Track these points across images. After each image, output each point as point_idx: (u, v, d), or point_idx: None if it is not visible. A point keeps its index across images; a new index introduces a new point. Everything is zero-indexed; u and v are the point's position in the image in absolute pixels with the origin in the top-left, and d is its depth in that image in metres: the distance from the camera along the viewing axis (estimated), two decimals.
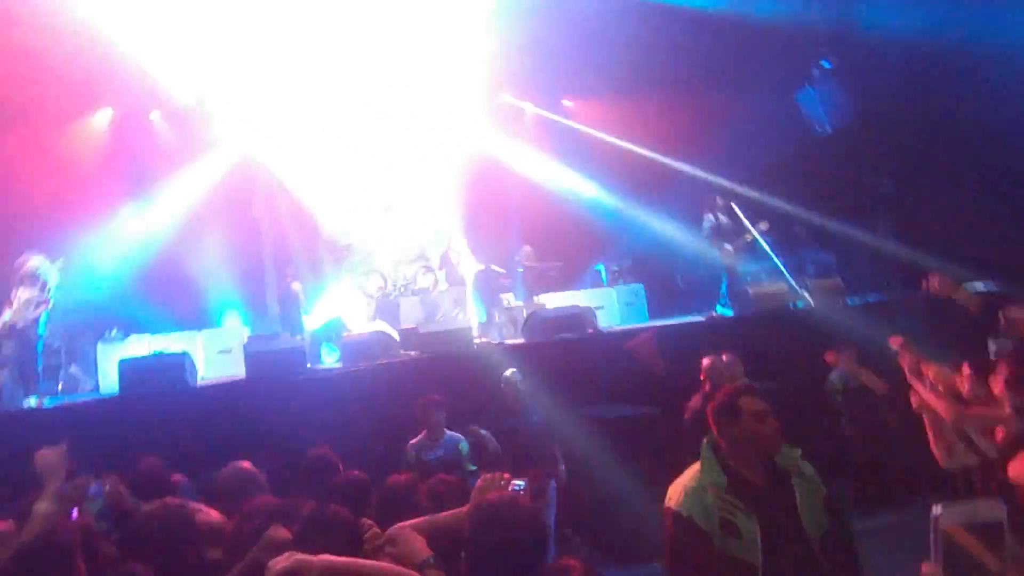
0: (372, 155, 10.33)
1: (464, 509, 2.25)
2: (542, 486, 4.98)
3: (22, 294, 6.70)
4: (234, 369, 7.33)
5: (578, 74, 10.40)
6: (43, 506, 2.62)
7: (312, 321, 8.82)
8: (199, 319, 8.91)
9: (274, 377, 6.44)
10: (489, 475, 2.32)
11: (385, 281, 9.48)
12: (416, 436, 5.19)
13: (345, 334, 7.75)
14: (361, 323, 8.48)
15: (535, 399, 5.83)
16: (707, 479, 2.41)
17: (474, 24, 9.13)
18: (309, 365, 7.01)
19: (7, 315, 6.58)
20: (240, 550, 2.53)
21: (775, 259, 8.41)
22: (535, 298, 9.20)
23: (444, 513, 2.39)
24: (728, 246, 8.61)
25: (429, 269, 9.76)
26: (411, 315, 8.73)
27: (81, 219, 8.42)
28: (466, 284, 9.47)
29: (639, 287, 9.71)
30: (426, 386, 6.01)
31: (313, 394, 6.25)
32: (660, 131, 10.26)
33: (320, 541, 2.23)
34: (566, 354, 7.02)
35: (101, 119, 9.38)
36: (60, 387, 7.55)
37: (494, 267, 9.42)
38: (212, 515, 2.97)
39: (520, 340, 7.80)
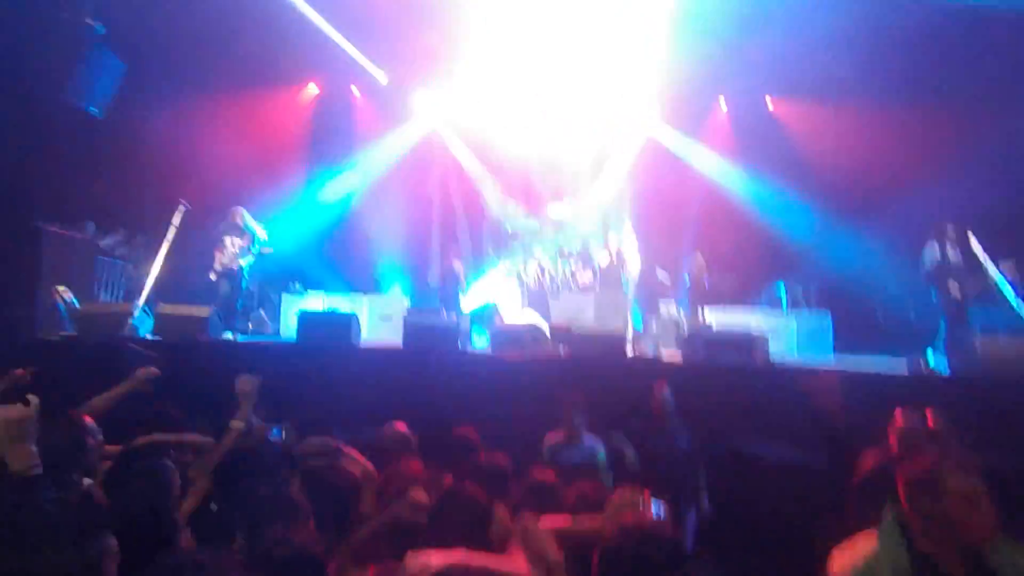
0: (548, 144, 10.55)
1: (599, 520, 2.23)
2: (682, 514, 4.75)
3: (233, 243, 8.03)
4: (393, 336, 7.97)
5: (788, 70, 9.50)
6: (238, 424, 3.22)
7: (468, 303, 9.28)
8: (367, 284, 9.88)
9: (428, 351, 6.85)
10: (628, 491, 2.28)
11: (544, 272, 9.64)
12: (554, 434, 5.21)
13: (497, 321, 8.03)
14: (514, 311, 8.72)
15: (685, 422, 5.57)
16: (887, 559, 2.07)
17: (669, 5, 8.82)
18: (461, 345, 7.36)
19: (224, 259, 7.92)
20: (383, 505, 2.81)
21: (1019, 308, 7.05)
22: (700, 312, 8.75)
23: (580, 520, 2.38)
24: (955, 285, 7.32)
25: (590, 266, 9.75)
26: (565, 311, 8.80)
27: (280, 181, 9.75)
28: (623, 287, 9.27)
29: (826, 316, 8.72)
30: (571, 386, 6.04)
31: (461, 374, 6.54)
32: (885, 142, 9.10)
33: (453, 516, 2.39)
34: (727, 380, 6.59)
35: (307, 92, 10.77)
36: (250, 326, 8.79)
37: (659, 271, 9.10)
38: (368, 467, 3.28)
39: (677, 355, 7.49)
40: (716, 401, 6.06)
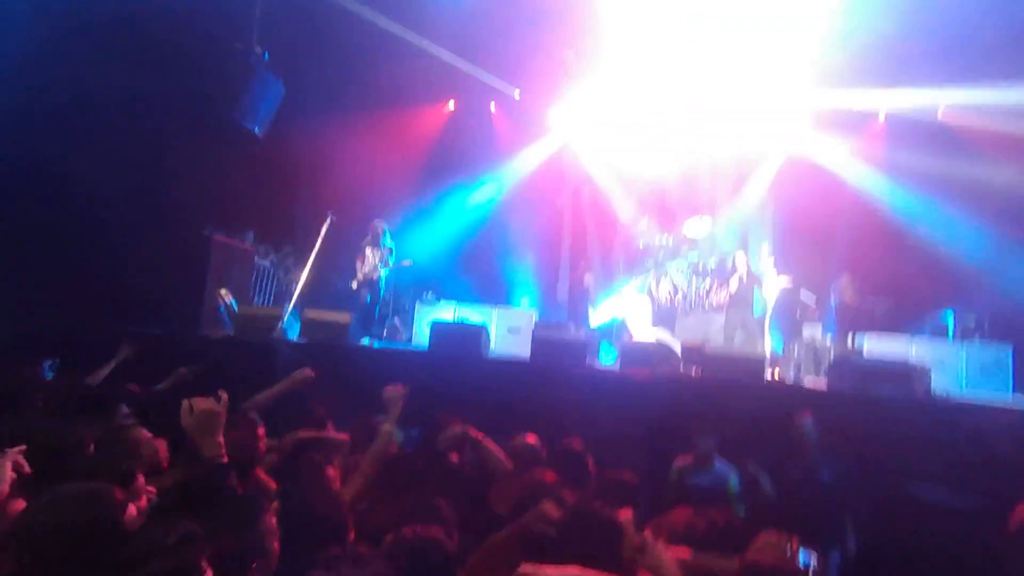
0: (683, 159, 10.58)
1: (736, 561, 2.20)
2: (826, 554, 4.65)
3: (373, 254, 8.90)
4: (521, 348, 8.38)
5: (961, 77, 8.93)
6: (387, 428, 3.67)
7: (596, 318, 9.51)
8: (497, 296, 10.43)
9: (555, 365, 7.15)
10: (775, 536, 2.21)
11: (676, 290, 9.64)
12: (683, 457, 5.28)
13: (626, 337, 8.17)
14: (643, 328, 8.83)
15: (830, 456, 5.41)
16: None
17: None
18: (588, 361, 7.59)
19: (365, 269, 8.83)
20: (517, 514, 2.98)
21: None
22: (849, 337, 8.36)
23: (713, 559, 2.42)
24: None
25: (725, 286, 9.62)
26: (697, 330, 8.78)
27: (419, 194, 10.59)
28: (752, 306, 9.05)
29: (1006, 349, 7.97)
30: (704, 408, 6.07)
31: (589, 389, 6.76)
32: None
33: (581, 532, 2.48)
34: (881, 414, 6.27)
35: (445, 108, 11.61)
36: (384, 333, 9.61)
37: (804, 292, 8.80)
38: (506, 462, 3.60)
39: (821, 383, 7.23)
40: (865, 434, 5.83)
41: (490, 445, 3.82)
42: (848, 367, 6.94)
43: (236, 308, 8.55)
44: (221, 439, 2.52)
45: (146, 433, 3.25)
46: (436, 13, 9.15)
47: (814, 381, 7.42)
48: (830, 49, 8.91)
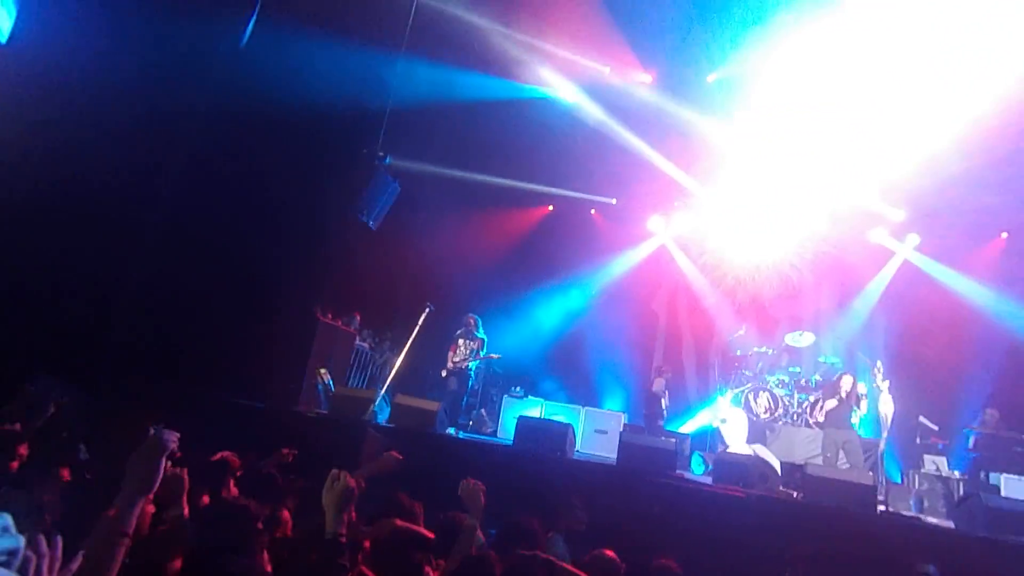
0: (788, 268, 10.45)
1: None
2: None
3: (465, 345, 9.23)
4: (607, 450, 8.21)
5: None
6: (470, 523, 3.68)
7: (690, 425, 9.23)
8: (586, 396, 10.39)
9: (642, 471, 6.96)
10: None
11: (775, 404, 9.22)
12: None
13: (720, 449, 7.83)
14: (739, 441, 8.43)
15: None
16: None
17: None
18: (678, 470, 7.31)
19: (456, 358, 9.15)
20: None
21: None
22: (982, 474, 7.57)
23: None
24: None
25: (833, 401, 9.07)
26: (795, 449, 8.27)
27: (516, 291, 11.01)
28: (850, 426, 8.38)
29: None
30: (802, 538, 5.66)
31: (675, 501, 6.51)
32: None
33: None
34: (1017, 566, 5.57)
35: (545, 211, 12.26)
36: (471, 424, 9.74)
37: (924, 420, 8.16)
38: None
39: (947, 523, 6.53)
40: None
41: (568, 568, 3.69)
42: (982, 508, 6.25)
43: (333, 388, 8.98)
44: (349, 517, 2.61)
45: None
46: (539, 137, 9.92)
47: (938, 520, 6.71)
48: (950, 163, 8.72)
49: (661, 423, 9.36)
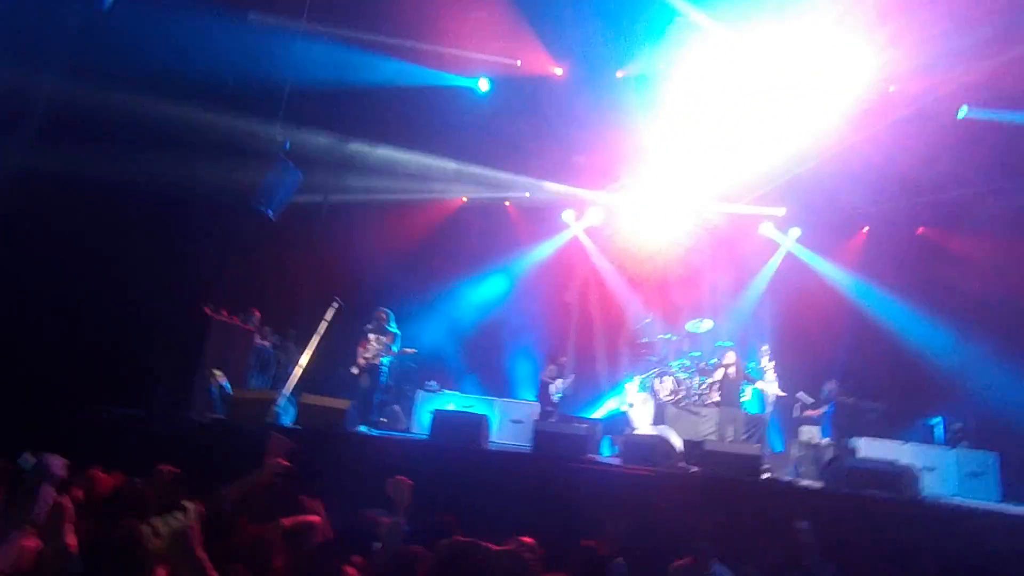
0: (688, 258, 11.36)
1: None
2: None
3: (377, 340, 9.24)
4: (522, 439, 8.61)
5: (944, 205, 9.99)
6: (395, 522, 3.76)
7: (600, 411, 9.84)
8: (501, 387, 10.77)
9: (556, 458, 7.42)
10: None
11: (678, 387, 10.02)
12: (680, 560, 5.45)
13: (627, 431, 8.46)
14: (646, 424, 9.14)
15: (828, 560, 5.65)
16: None
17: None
18: (590, 454, 7.81)
19: (367, 354, 9.13)
20: None
21: None
22: (844, 440, 8.76)
23: None
24: None
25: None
26: (693, 428, 9.10)
27: (427, 285, 11.12)
28: (738, 403, 9.46)
29: (992, 456, 8.50)
30: (702, 507, 6.34)
31: (589, 484, 7.01)
32: None
33: None
34: (874, 516, 6.59)
35: (457, 203, 12.38)
36: (384, 420, 9.79)
37: (801, 395, 9.28)
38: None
39: (818, 484, 7.55)
40: (861, 537, 6.10)
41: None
42: (843, 469, 7.30)
43: (229, 391, 8.66)
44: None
45: None
46: (452, 120, 10.01)
47: (811, 482, 7.71)
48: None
49: (551, 409, 9.87)
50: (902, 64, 8.60)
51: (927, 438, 9.42)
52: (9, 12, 7.96)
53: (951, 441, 9.12)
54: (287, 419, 8.21)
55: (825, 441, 8.76)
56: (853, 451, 8.36)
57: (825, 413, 9.30)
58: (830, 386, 9.53)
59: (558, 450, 7.54)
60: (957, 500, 7.77)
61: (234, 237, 10.17)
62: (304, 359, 8.98)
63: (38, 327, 7.93)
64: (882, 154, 9.33)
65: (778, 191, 10.76)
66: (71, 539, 2.91)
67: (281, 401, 8.31)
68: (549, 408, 9.89)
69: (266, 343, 10.41)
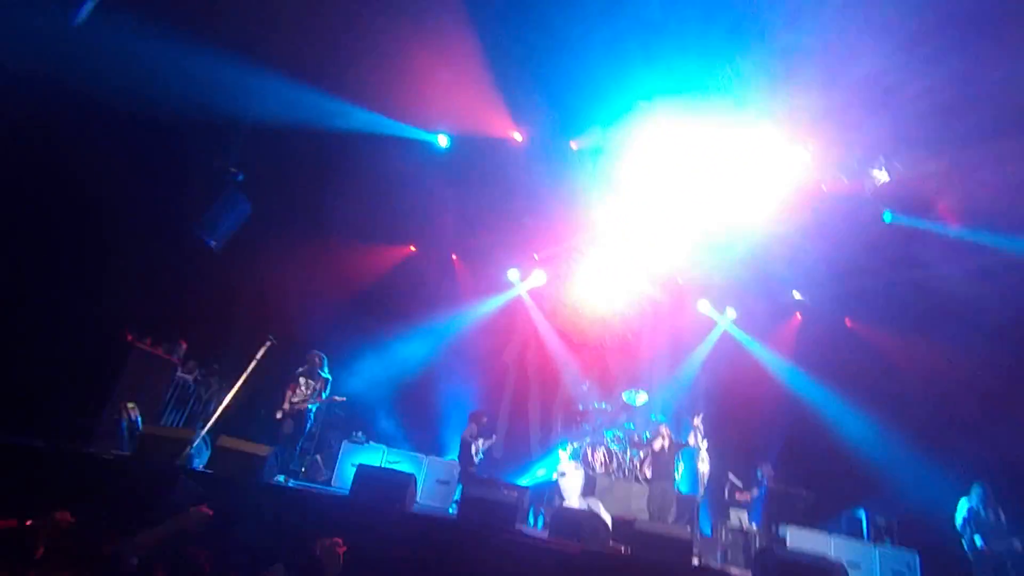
0: (627, 329, 11.36)
1: None
2: None
3: (307, 384, 8.71)
4: (447, 501, 8.15)
5: (866, 299, 10.38)
6: None
7: (530, 478, 9.47)
8: (430, 444, 10.29)
9: (483, 526, 6.99)
10: None
11: (611, 459, 9.80)
12: None
13: (557, 500, 8.12)
14: (575, 494, 8.82)
15: None
16: None
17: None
18: (518, 524, 7.42)
19: (295, 398, 8.57)
20: None
21: None
22: (773, 527, 8.62)
23: None
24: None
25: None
26: (623, 502, 8.83)
27: (365, 332, 10.71)
28: (671, 477, 9.22)
29: (913, 556, 8.45)
30: None
31: (516, 557, 6.60)
32: (971, 379, 9.45)
33: None
34: None
35: (404, 251, 12.16)
36: (303, 471, 9.15)
37: (732, 477, 9.16)
38: None
39: (746, 573, 7.32)
40: None
41: None
42: (773, 560, 7.10)
43: (140, 426, 7.97)
44: None
45: None
46: (411, 167, 9.92)
47: (740, 570, 7.49)
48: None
49: (472, 469, 9.42)
50: (832, 169, 9.09)
51: (852, 530, 9.37)
52: None
53: (876, 536, 9.09)
54: (199, 461, 7.55)
55: (754, 528, 8.60)
56: (783, 541, 8.21)
57: (756, 498, 9.19)
58: (766, 469, 9.46)
59: (485, 517, 7.13)
60: None
61: (170, 263, 9.64)
62: (228, 397, 8.38)
63: None
64: (812, 241, 9.70)
65: (716, 270, 10.94)
66: None
67: (196, 441, 7.66)
68: (471, 469, 9.45)
69: (188, 377, 9.70)
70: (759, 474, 9.48)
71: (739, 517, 8.72)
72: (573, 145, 9.83)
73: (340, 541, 3.76)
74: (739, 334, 11.70)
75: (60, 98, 7.77)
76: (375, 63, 8.85)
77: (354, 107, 9.21)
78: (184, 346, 9.56)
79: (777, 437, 10.54)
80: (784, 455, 10.04)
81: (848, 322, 11.31)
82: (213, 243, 9.33)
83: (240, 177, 9.30)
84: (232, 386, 8.41)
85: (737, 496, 9.16)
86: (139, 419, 8.12)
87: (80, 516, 4.22)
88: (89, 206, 8.51)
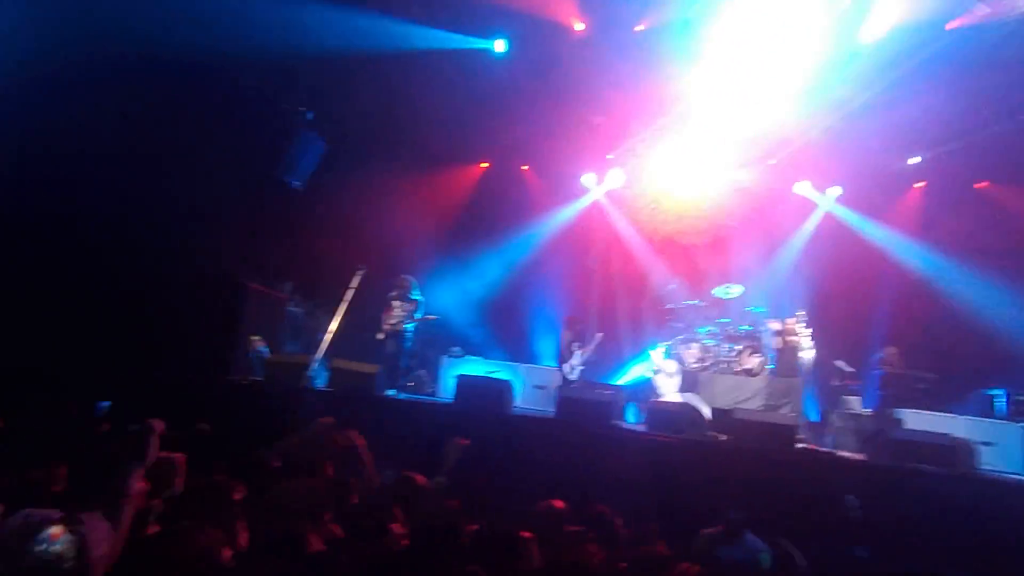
0: (714, 221, 10.69)
1: None
2: None
3: (401, 307, 9.05)
4: (546, 405, 8.31)
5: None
6: (440, 480, 3.94)
7: (625, 378, 9.42)
8: (525, 353, 10.46)
9: (580, 424, 7.09)
10: None
11: (705, 354, 9.53)
12: (711, 528, 5.11)
13: (653, 399, 8.05)
14: (671, 391, 8.68)
15: (866, 532, 5.19)
16: None
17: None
18: (614, 421, 7.46)
19: (391, 320, 8.98)
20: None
21: None
22: (890, 411, 8.09)
23: None
24: None
25: (757, 351, 9.45)
26: (727, 395, 8.60)
27: (450, 251, 10.86)
28: (798, 373, 8.81)
29: None
30: (731, 477, 5.91)
31: (613, 451, 6.66)
32: None
33: None
34: (924, 492, 6.00)
35: (479, 169, 12.04)
36: (411, 385, 9.65)
37: (840, 363, 8.62)
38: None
39: (859, 456, 6.97)
40: (909, 514, 5.59)
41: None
42: (889, 441, 6.72)
43: (266, 355, 8.71)
44: None
45: None
46: (473, 81, 9.56)
47: (852, 454, 7.15)
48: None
49: (572, 376, 9.28)
50: None
51: (986, 411, 8.59)
52: None
53: (1015, 414, 8.30)
54: (320, 382, 8.24)
55: (867, 412, 8.12)
56: (899, 422, 7.72)
57: (870, 382, 8.62)
58: (889, 351, 8.82)
59: (582, 416, 7.22)
60: (1017, 476, 7.04)
61: (263, 209, 10.16)
62: (333, 325, 8.92)
63: (99, 307, 8.25)
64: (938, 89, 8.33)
65: (814, 146, 9.83)
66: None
67: (314, 365, 8.29)
68: (570, 376, 9.44)
69: (298, 310, 10.40)
70: (877, 358, 8.86)
71: (850, 402, 8.26)
72: (636, 28, 8.95)
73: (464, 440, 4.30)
74: (845, 213, 10.60)
75: (123, 62, 8.10)
76: None
77: (408, 23, 8.90)
78: (290, 284, 10.19)
79: (892, 319, 9.71)
80: (906, 338, 9.27)
81: (978, 185, 9.97)
82: (297, 183, 9.68)
83: (310, 115, 9.46)
84: (335, 315, 8.93)
85: (847, 382, 8.63)
86: (265, 349, 8.95)
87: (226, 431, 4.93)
88: (182, 165, 9.07)
